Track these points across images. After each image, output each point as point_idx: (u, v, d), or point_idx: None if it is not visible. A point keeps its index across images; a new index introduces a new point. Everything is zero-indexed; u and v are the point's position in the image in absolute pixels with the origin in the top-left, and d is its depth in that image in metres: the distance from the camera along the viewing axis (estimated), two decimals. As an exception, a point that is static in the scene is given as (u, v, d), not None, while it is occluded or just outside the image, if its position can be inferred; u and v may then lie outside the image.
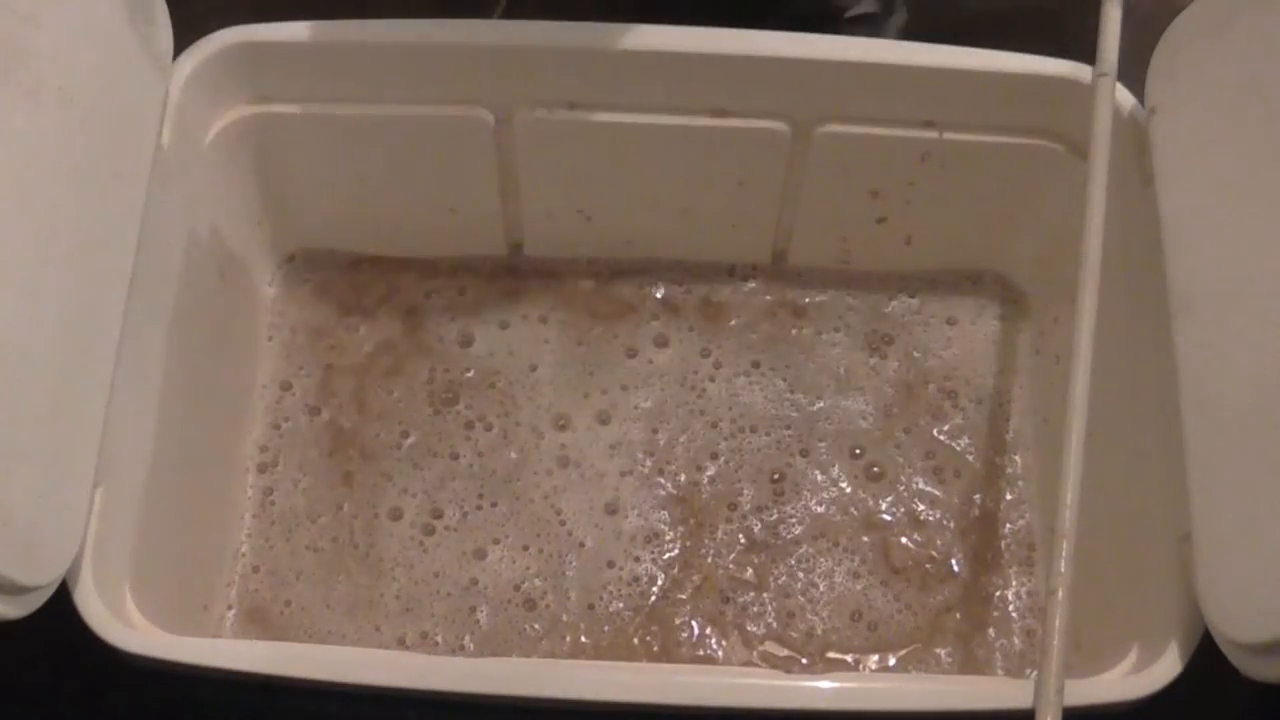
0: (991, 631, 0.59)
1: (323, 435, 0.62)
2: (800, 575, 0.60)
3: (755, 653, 0.58)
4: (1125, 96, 0.55)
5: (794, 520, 0.61)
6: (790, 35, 0.56)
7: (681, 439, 0.63)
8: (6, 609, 0.42)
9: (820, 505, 0.61)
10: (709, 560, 0.60)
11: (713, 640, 0.58)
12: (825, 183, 0.62)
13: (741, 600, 0.59)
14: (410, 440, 0.62)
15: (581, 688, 0.45)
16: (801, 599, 0.59)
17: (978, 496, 0.62)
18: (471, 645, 0.58)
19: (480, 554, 0.60)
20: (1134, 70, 0.55)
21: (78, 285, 0.47)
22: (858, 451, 0.63)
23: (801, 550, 0.60)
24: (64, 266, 0.46)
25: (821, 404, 0.64)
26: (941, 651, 0.58)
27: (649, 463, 0.62)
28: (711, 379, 0.64)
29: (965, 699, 0.46)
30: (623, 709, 0.45)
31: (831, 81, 0.57)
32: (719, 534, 0.60)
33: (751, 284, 0.66)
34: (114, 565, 0.48)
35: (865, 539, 0.60)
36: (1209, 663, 0.45)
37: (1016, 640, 0.58)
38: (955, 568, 0.60)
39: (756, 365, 0.65)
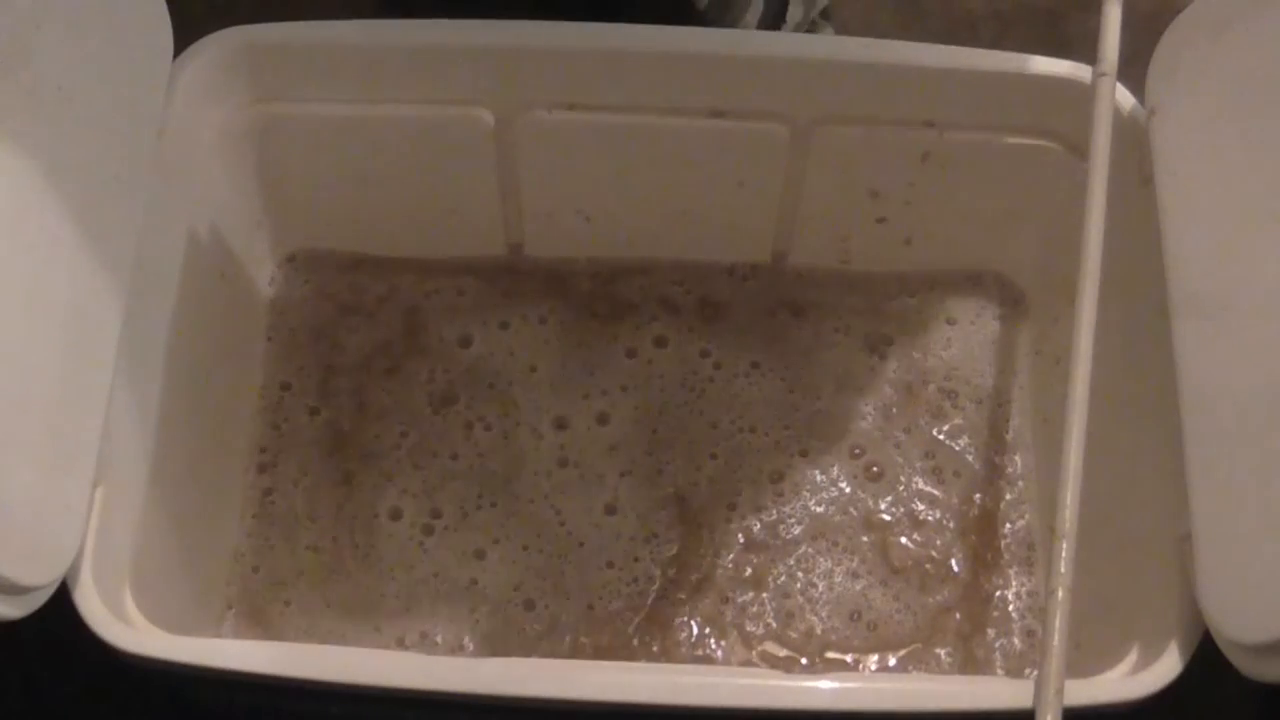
0: (991, 631, 0.59)
1: (323, 435, 0.62)
2: (799, 575, 0.60)
3: (755, 653, 0.58)
4: (1125, 96, 0.55)
5: (793, 520, 0.61)
6: (790, 35, 0.57)
7: (681, 439, 0.63)
8: (6, 609, 0.42)
9: (820, 505, 0.61)
10: (708, 560, 0.60)
11: (712, 640, 0.58)
12: (825, 183, 0.62)
13: (741, 600, 0.59)
14: (410, 440, 0.62)
15: (581, 688, 0.45)
16: (801, 599, 0.59)
17: (978, 496, 0.62)
18: (471, 645, 0.58)
19: (480, 554, 0.60)
20: (1134, 70, 0.55)
21: (78, 285, 0.47)
22: (857, 451, 0.63)
23: (801, 550, 0.60)
24: (64, 267, 0.46)
25: (821, 404, 0.64)
26: (941, 651, 0.58)
27: (648, 463, 0.62)
28: (711, 379, 0.64)
29: (965, 699, 0.46)
30: (623, 709, 0.45)
31: (831, 81, 0.57)
32: (718, 534, 0.60)
33: (751, 284, 0.66)
34: (114, 565, 0.48)
35: (865, 539, 0.60)
36: (1209, 663, 0.45)
37: (1016, 640, 0.58)
38: (955, 568, 0.60)
39: (756, 365, 0.64)
